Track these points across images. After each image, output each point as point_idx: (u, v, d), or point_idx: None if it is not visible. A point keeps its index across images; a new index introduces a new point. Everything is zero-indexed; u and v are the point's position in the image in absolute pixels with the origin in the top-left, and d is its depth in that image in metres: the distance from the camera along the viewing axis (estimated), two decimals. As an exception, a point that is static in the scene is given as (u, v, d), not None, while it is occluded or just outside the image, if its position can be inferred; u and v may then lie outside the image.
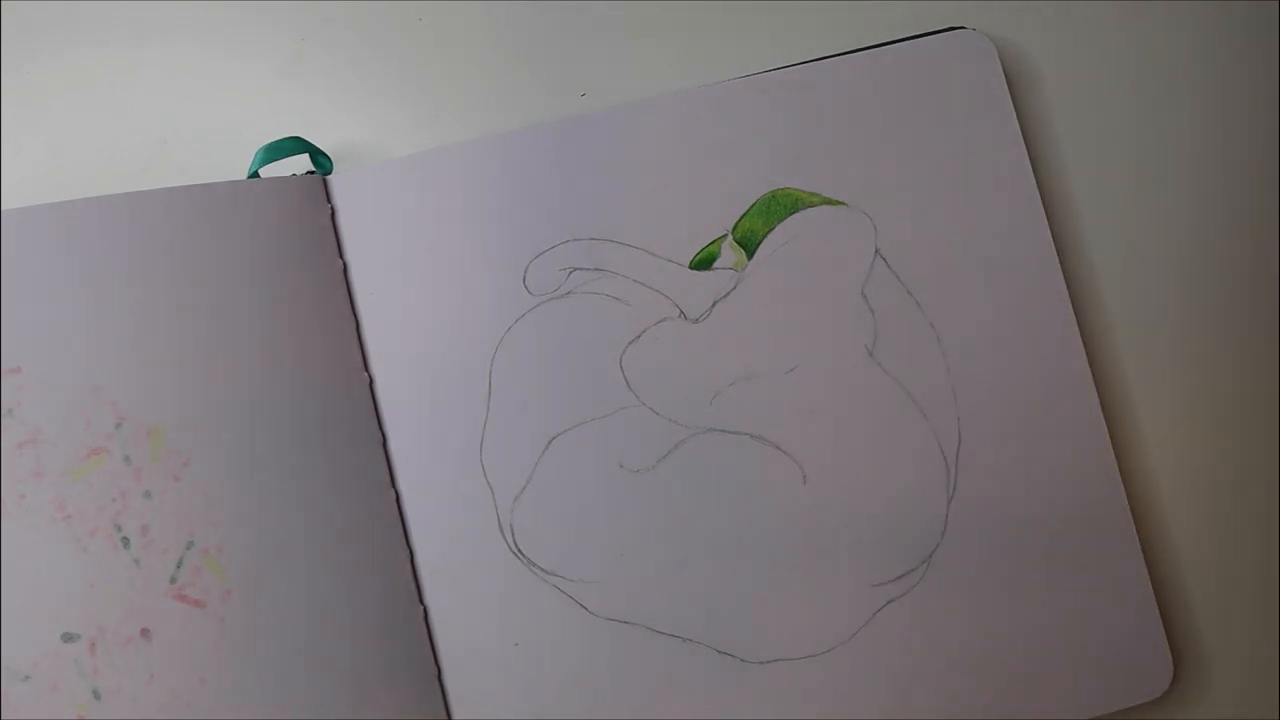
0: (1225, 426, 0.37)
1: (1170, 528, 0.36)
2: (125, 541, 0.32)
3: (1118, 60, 0.39)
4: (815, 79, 0.37)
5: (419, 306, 0.36)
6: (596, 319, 0.36)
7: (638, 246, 0.36)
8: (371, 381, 0.35)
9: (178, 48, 0.40)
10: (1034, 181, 0.36)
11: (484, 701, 0.34)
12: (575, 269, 0.36)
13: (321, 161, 0.37)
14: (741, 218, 0.36)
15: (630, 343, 0.36)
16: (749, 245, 0.36)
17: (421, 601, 0.34)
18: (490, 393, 0.35)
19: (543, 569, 0.35)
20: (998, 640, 0.34)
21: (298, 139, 0.37)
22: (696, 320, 0.36)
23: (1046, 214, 0.36)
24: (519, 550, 0.35)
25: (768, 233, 0.36)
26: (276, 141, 0.37)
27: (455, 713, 0.34)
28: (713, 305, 0.36)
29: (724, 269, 0.36)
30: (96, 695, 0.31)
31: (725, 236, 0.36)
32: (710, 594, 0.34)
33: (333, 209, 0.36)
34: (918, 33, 0.37)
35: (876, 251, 0.36)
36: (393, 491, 0.35)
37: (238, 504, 0.33)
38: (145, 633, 0.32)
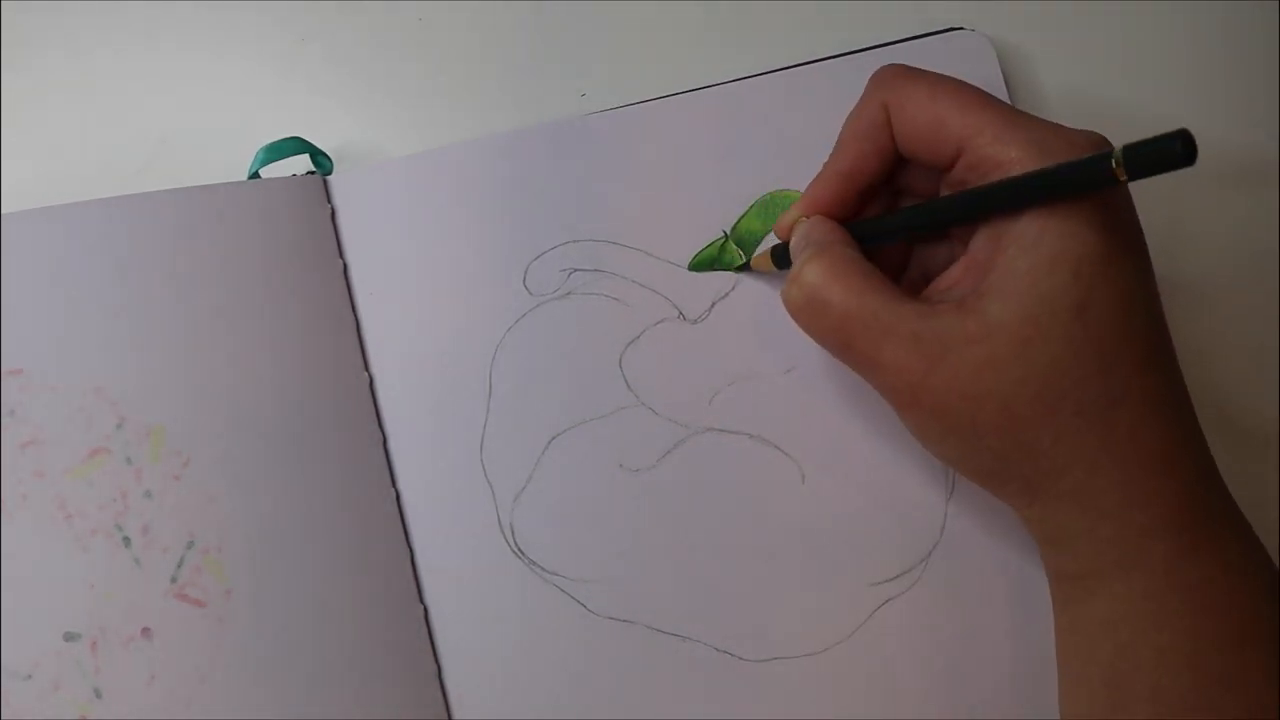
0: (1224, 425, 0.37)
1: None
2: (126, 541, 0.32)
3: (1117, 61, 0.39)
4: (815, 80, 0.37)
5: (419, 306, 0.36)
6: (596, 319, 0.36)
7: (637, 247, 0.36)
8: (371, 381, 0.35)
9: (177, 48, 0.40)
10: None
11: (484, 701, 0.34)
12: (575, 270, 0.36)
13: (321, 161, 0.37)
14: (740, 219, 0.36)
15: (629, 343, 0.36)
16: (748, 246, 0.36)
17: (421, 601, 0.34)
18: (490, 393, 0.35)
19: (543, 569, 0.35)
20: (995, 639, 0.34)
21: (298, 139, 0.37)
22: (695, 321, 0.36)
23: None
24: (519, 550, 0.35)
25: (766, 233, 0.36)
26: (276, 141, 0.37)
27: (455, 713, 0.34)
28: (711, 306, 0.36)
29: (723, 270, 0.36)
30: (98, 694, 0.31)
31: (724, 237, 0.36)
32: (709, 593, 0.34)
33: (333, 209, 0.36)
34: (918, 33, 0.37)
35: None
36: (393, 491, 0.35)
37: (238, 504, 0.33)
38: (146, 632, 0.32)
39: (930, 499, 0.35)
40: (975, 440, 0.28)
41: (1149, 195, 0.30)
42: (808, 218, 0.32)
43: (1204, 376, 0.36)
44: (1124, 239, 0.28)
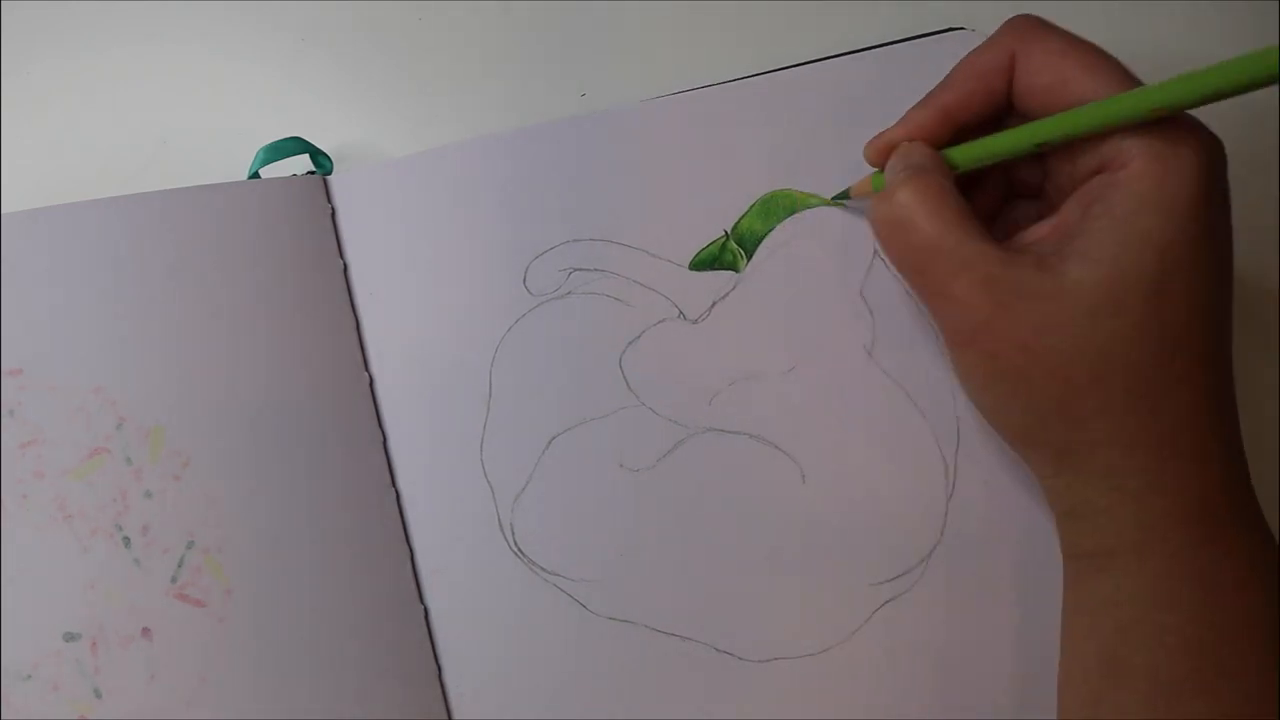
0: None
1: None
2: (126, 541, 0.32)
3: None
4: (815, 79, 0.37)
5: (419, 307, 0.36)
6: (596, 319, 0.36)
7: (637, 247, 0.36)
8: (371, 381, 0.35)
9: (178, 48, 0.40)
10: (1033, 182, 0.36)
11: (484, 701, 0.34)
12: (575, 269, 0.36)
13: (321, 161, 0.37)
14: (740, 218, 0.36)
15: (630, 343, 0.36)
16: (748, 246, 0.36)
17: (421, 601, 0.34)
18: (490, 393, 0.35)
19: (543, 569, 0.35)
20: (996, 640, 0.34)
21: (298, 139, 0.37)
22: (696, 321, 0.36)
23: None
24: (519, 550, 0.35)
25: (766, 233, 0.36)
26: (276, 141, 0.37)
27: (455, 713, 0.34)
28: (712, 306, 0.36)
29: (723, 270, 0.36)
30: (97, 694, 0.31)
31: (724, 237, 0.36)
32: (709, 593, 0.34)
33: (333, 209, 0.36)
34: (918, 33, 0.37)
35: (875, 252, 0.36)
36: (393, 491, 0.35)
37: (238, 504, 0.33)
38: (146, 632, 0.32)
39: (930, 499, 0.35)
40: (1021, 394, 0.28)
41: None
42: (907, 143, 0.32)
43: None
44: (1214, 232, 0.28)
